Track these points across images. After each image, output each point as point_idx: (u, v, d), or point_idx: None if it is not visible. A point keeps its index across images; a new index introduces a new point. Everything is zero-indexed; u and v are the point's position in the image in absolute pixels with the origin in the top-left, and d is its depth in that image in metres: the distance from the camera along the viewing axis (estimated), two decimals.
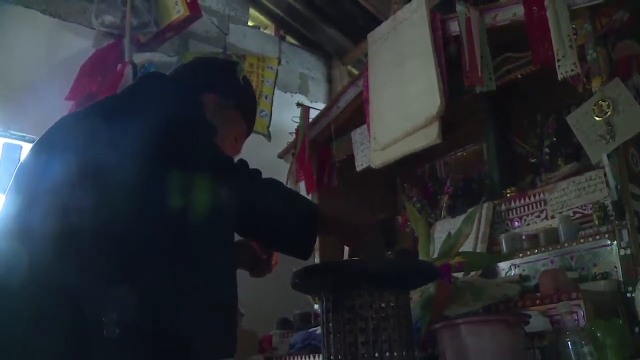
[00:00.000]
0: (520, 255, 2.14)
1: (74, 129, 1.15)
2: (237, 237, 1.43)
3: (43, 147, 1.16)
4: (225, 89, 1.33)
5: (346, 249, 1.44)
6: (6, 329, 0.95)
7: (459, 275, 1.89)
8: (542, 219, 2.31)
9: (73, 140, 1.11)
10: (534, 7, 2.09)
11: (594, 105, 1.93)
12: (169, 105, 1.12)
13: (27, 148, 3.16)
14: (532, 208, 2.36)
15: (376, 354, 1.10)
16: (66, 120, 1.21)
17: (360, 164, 2.96)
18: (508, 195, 2.47)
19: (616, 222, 1.83)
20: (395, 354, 1.11)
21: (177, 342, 1.03)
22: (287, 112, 3.46)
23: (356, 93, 2.94)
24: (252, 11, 4.50)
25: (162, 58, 3.38)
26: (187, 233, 1.03)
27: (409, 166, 3.11)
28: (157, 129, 1.05)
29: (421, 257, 1.91)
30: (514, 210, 2.42)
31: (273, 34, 4.63)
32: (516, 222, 2.40)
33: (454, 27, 2.40)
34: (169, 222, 1.02)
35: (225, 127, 1.27)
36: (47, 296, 0.95)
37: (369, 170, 2.85)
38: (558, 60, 1.96)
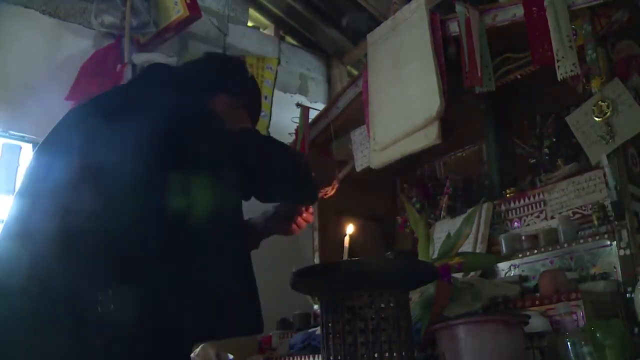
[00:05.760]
0: (520, 255, 2.14)
1: (76, 128, 1.14)
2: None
3: (46, 147, 1.16)
4: (237, 89, 1.33)
5: (346, 249, 1.44)
6: (7, 329, 0.95)
7: (459, 275, 1.89)
8: (542, 220, 2.31)
9: (75, 140, 1.11)
10: (534, 8, 2.09)
11: (594, 106, 1.93)
12: (174, 105, 1.12)
13: (27, 148, 3.15)
14: (532, 208, 2.36)
15: (375, 355, 1.10)
16: (69, 117, 1.21)
17: (360, 165, 2.96)
18: (507, 195, 2.47)
19: (615, 222, 1.83)
20: (394, 354, 1.11)
21: (178, 340, 1.03)
22: (286, 113, 3.45)
23: (356, 93, 2.94)
24: (251, 11, 4.49)
25: (162, 58, 3.36)
26: (188, 232, 1.03)
27: (408, 167, 3.11)
28: (159, 129, 1.05)
29: (421, 257, 1.91)
30: (513, 211, 2.42)
31: (273, 35, 4.63)
32: (516, 223, 2.40)
33: (454, 28, 2.40)
34: (170, 222, 1.02)
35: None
36: (47, 296, 0.95)
37: (368, 170, 2.85)
38: (558, 61, 1.96)
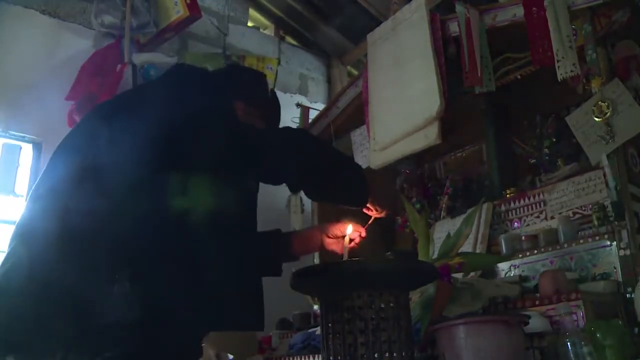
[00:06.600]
0: (520, 255, 2.14)
1: (80, 130, 1.15)
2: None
3: (57, 151, 1.17)
4: (253, 98, 1.35)
5: (346, 249, 1.44)
6: (7, 329, 0.95)
7: (459, 275, 1.89)
8: (542, 220, 2.31)
9: (77, 141, 1.11)
10: (534, 8, 2.09)
11: (594, 106, 1.93)
12: (182, 105, 1.12)
13: (27, 148, 3.15)
14: (532, 209, 2.36)
15: (375, 355, 1.10)
16: (80, 122, 1.23)
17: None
18: (507, 195, 2.47)
19: (615, 222, 1.83)
20: (394, 354, 1.11)
21: (178, 338, 1.03)
22: (286, 113, 3.43)
23: (356, 94, 2.94)
24: (251, 12, 4.50)
25: (162, 59, 3.36)
26: (188, 232, 1.03)
27: (408, 167, 3.11)
28: (163, 128, 1.05)
29: (421, 257, 1.91)
30: (513, 211, 2.42)
31: (273, 35, 4.63)
32: (516, 223, 2.40)
33: (454, 28, 2.40)
34: (171, 222, 1.02)
35: None
36: (47, 296, 0.95)
37: (368, 170, 2.85)
38: (558, 61, 1.96)
